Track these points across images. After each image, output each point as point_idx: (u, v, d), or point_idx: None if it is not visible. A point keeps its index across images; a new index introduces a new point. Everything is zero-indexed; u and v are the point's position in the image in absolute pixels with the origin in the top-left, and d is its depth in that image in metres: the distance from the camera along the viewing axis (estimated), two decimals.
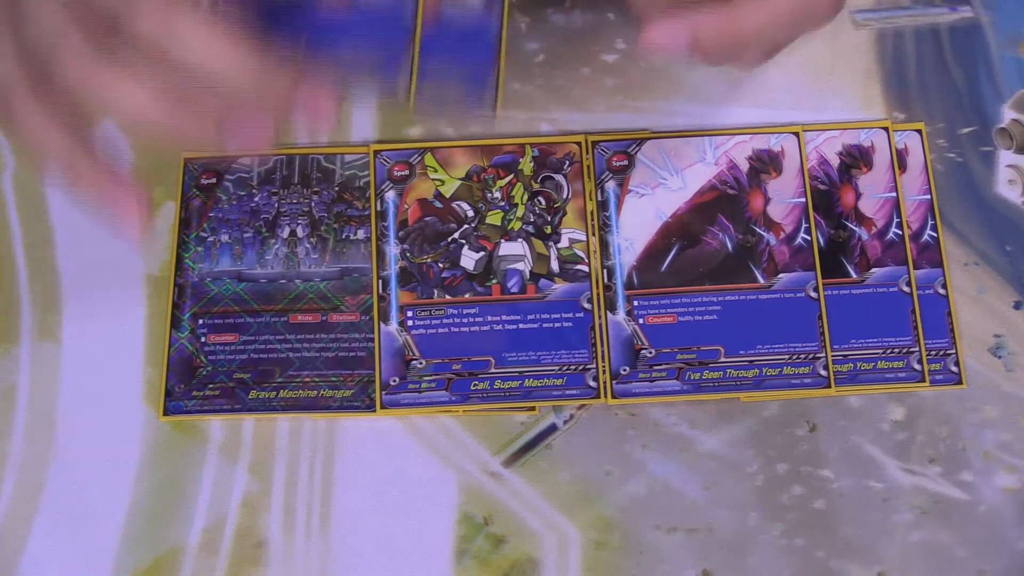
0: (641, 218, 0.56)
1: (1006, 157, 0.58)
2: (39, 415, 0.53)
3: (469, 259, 0.55)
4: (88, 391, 0.54)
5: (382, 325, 0.54)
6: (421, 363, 0.54)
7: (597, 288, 0.55)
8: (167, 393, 0.53)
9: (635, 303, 0.54)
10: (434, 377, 0.53)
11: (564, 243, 0.55)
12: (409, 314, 0.54)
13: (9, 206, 0.56)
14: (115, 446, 0.53)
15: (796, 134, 0.57)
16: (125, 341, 0.54)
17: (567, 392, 0.53)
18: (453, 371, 0.53)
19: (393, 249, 0.55)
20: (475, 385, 0.53)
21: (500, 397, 0.53)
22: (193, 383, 0.53)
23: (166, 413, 0.53)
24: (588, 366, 0.53)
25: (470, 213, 0.56)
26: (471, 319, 0.54)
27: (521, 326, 0.54)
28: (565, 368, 0.53)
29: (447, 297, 0.54)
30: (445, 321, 0.54)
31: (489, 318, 0.54)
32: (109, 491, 0.52)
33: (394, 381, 0.53)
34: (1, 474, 0.53)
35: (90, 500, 0.52)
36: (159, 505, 0.52)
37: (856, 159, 0.57)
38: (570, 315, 0.54)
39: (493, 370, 0.53)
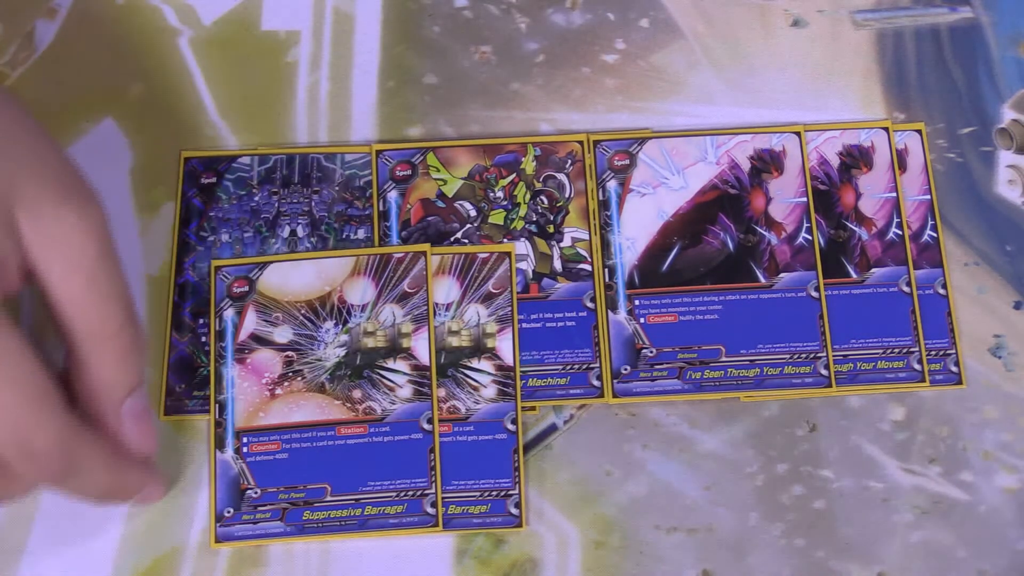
0: (642, 217, 0.56)
1: (1006, 157, 0.58)
2: None
3: None
4: None
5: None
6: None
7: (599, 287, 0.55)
8: (168, 392, 0.53)
9: (636, 302, 0.54)
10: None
11: (567, 242, 0.55)
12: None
13: None
14: None
15: (798, 134, 0.57)
16: None
17: (571, 392, 0.53)
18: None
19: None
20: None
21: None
22: (194, 383, 0.53)
23: (166, 413, 0.53)
24: (592, 365, 0.53)
25: (473, 213, 0.56)
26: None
27: (525, 325, 0.54)
28: (569, 367, 0.53)
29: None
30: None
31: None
32: None
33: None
34: None
35: None
36: (159, 505, 0.52)
37: (856, 159, 0.57)
38: (573, 314, 0.54)
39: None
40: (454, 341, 0.53)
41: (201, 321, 0.54)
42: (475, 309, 0.54)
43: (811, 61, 0.60)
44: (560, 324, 0.54)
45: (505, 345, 0.53)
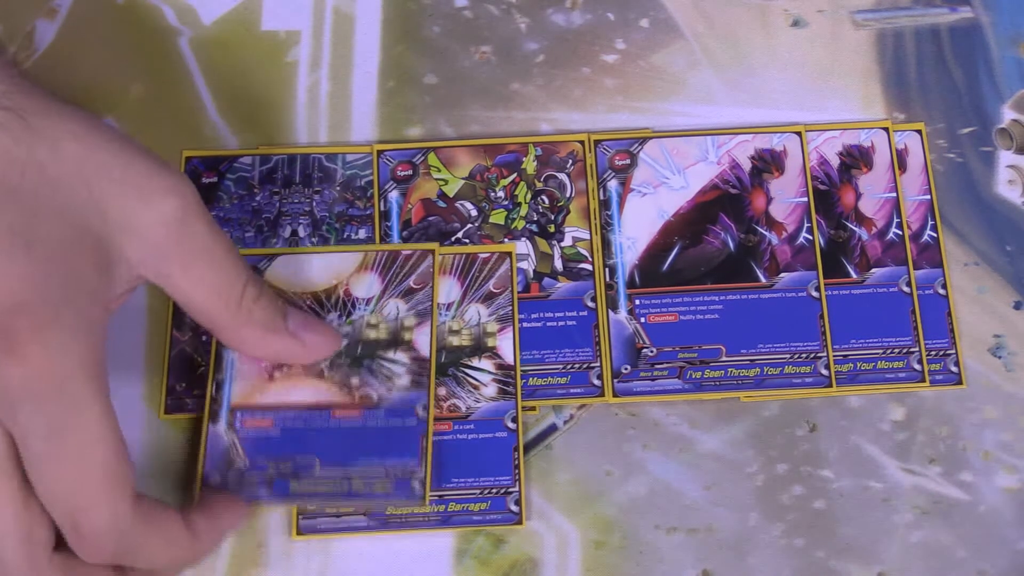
0: (643, 217, 0.56)
1: (1006, 157, 0.58)
2: None
3: None
4: None
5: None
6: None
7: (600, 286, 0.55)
8: (168, 391, 0.53)
9: (637, 302, 0.54)
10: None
11: (568, 242, 0.55)
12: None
13: None
14: None
15: (798, 133, 0.57)
16: (125, 341, 0.54)
17: (571, 391, 0.53)
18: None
19: None
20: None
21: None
22: (195, 382, 0.53)
23: (167, 412, 0.53)
24: (592, 364, 0.53)
25: (474, 213, 0.56)
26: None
27: (525, 324, 0.54)
28: (569, 367, 0.53)
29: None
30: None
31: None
32: None
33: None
34: None
35: None
36: None
37: (856, 159, 0.57)
38: (574, 314, 0.54)
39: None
40: (455, 340, 0.53)
41: None
42: (476, 309, 0.54)
43: (811, 61, 0.60)
44: (561, 324, 0.54)
45: (506, 344, 0.53)
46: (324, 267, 0.54)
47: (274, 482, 0.51)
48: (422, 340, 0.53)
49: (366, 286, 0.54)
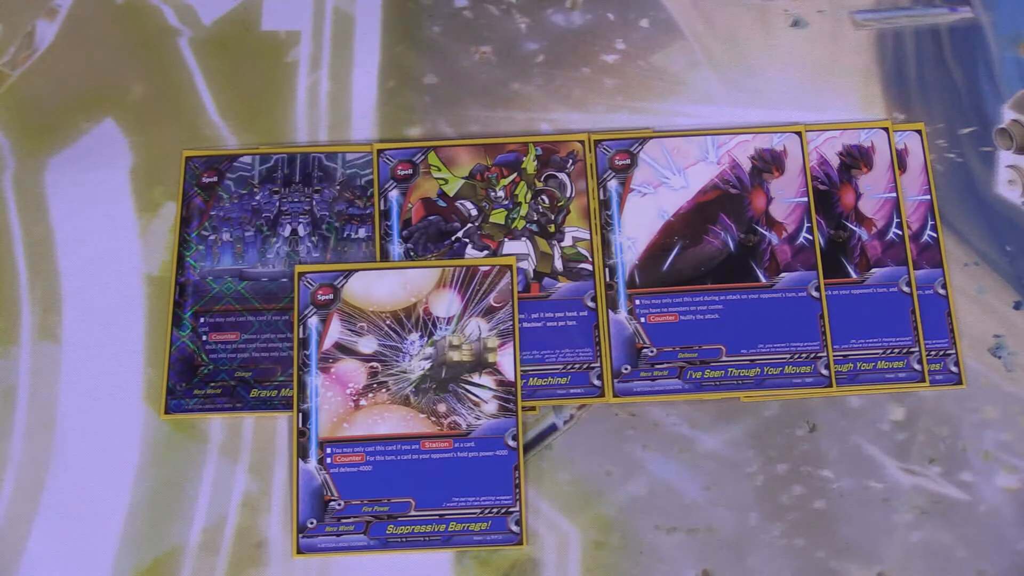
0: (643, 217, 0.56)
1: (1006, 157, 0.58)
2: (39, 415, 0.53)
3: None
4: (88, 391, 0.53)
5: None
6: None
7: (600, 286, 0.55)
8: (168, 391, 0.53)
9: (637, 302, 0.54)
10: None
11: (568, 241, 0.55)
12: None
13: (9, 206, 0.56)
14: (115, 446, 0.53)
15: (799, 133, 0.57)
16: (125, 341, 0.54)
17: (571, 391, 0.53)
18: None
19: (397, 248, 0.55)
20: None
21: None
22: (195, 381, 0.53)
23: (167, 412, 0.53)
24: (592, 364, 0.53)
25: (474, 212, 0.56)
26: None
27: (525, 325, 0.54)
28: (569, 367, 0.53)
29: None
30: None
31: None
32: (109, 491, 0.52)
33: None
34: (1, 474, 0.52)
35: (90, 500, 0.52)
36: (159, 505, 0.52)
37: (856, 159, 0.57)
38: (574, 314, 0.54)
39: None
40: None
41: (202, 320, 0.54)
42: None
43: (811, 61, 0.60)
44: (561, 324, 0.54)
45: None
46: (402, 284, 0.54)
47: (371, 525, 0.51)
48: (507, 362, 0.53)
49: (446, 304, 0.54)
